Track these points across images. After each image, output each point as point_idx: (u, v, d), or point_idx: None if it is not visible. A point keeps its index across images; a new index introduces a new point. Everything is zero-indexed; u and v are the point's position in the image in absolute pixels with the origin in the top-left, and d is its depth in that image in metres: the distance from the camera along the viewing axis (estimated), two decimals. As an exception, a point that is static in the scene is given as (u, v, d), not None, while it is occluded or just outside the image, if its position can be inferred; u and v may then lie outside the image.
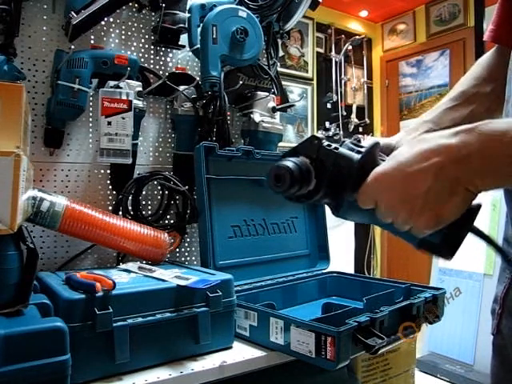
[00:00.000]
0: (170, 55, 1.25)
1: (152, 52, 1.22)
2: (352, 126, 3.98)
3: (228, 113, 1.23)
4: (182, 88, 1.19)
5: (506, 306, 0.71)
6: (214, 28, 1.11)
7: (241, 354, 0.84)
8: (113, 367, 0.72)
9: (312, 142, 0.57)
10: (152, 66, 1.21)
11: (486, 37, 0.78)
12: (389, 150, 0.61)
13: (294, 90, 3.72)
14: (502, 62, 0.73)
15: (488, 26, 0.79)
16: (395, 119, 4.09)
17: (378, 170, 0.51)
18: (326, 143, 0.57)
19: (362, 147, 0.57)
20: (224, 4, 1.16)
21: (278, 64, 1.42)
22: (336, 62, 3.95)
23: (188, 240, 1.27)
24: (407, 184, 0.47)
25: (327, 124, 3.92)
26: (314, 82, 3.86)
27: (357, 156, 0.54)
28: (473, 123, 0.46)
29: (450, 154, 0.45)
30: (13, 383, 0.57)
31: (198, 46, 1.16)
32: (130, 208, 1.12)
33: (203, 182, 1.06)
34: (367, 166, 0.54)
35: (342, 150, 0.56)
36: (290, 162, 0.56)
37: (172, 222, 1.21)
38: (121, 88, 1.04)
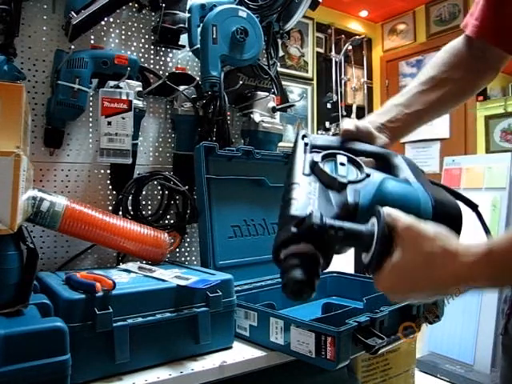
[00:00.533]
0: (170, 55, 1.25)
1: (152, 52, 1.22)
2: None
3: (228, 113, 1.23)
4: (182, 88, 1.19)
5: None
6: (214, 28, 1.11)
7: (241, 353, 0.84)
8: (113, 367, 0.72)
9: (311, 228, 0.49)
10: (152, 66, 1.21)
11: (469, 31, 0.78)
12: (367, 134, 0.67)
13: (294, 90, 3.72)
14: (472, 54, 0.77)
15: (467, 17, 0.81)
16: (395, 119, 4.08)
17: (394, 263, 0.50)
18: (328, 223, 0.49)
19: (359, 168, 0.57)
20: (224, 4, 1.16)
21: (278, 64, 1.42)
22: (336, 62, 3.96)
23: (188, 240, 1.27)
24: (417, 282, 0.51)
25: (327, 124, 3.93)
26: (314, 82, 3.87)
27: (366, 231, 0.50)
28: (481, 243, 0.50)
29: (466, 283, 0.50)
30: (13, 383, 0.57)
31: (198, 46, 1.16)
32: (130, 208, 1.12)
33: (203, 182, 1.06)
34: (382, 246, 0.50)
35: (348, 226, 0.50)
36: (297, 273, 0.49)
37: (172, 221, 1.21)
38: (121, 88, 1.04)
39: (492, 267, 0.48)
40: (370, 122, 0.71)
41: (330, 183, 0.56)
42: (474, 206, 0.61)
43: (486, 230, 0.59)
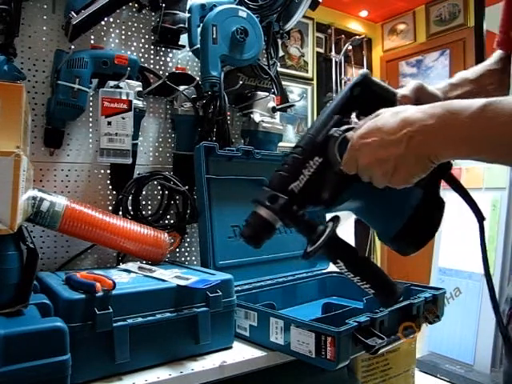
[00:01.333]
0: (170, 55, 1.25)
1: (152, 52, 1.22)
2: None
3: (228, 113, 1.23)
4: (181, 88, 1.19)
5: None
6: (214, 28, 1.11)
7: (241, 354, 0.84)
8: (113, 367, 0.72)
9: (280, 207, 0.58)
10: (152, 66, 1.21)
11: (494, 44, 0.82)
12: (431, 98, 0.66)
13: (294, 90, 3.72)
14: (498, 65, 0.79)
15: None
16: (395, 119, 4.09)
17: (360, 130, 0.55)
18: (294, 210, 0.58)
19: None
20: (224, 4, 1.16)
21: (278, 64, 1.42)
22: (336, 62, 3.95)
23: (188, 240, 1.27)
24: (383, 148, 0.53)
25: (327, 124, 3.92)
26: (314, 82, 3.86)
27: (319, 229, 0.57)
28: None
29: (419, 126, 0.51)
30: (13, 383, 0.57)
31: (198, 46, 1.16)
32: (130, 208, 1.12)
33: (203, 182, 1.06)
34: None
35: (306, 220, 0.58)
36: (247, 230, 0.60)
37: (172, 221, 1.21)
38: (121, 88, 1.04)
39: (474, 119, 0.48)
40: (442, 91, 0.72)
41: (334, 167, 0.58)
42: (480, 218, 0.59)
43: (483, 247, 0.58)
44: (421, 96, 0.65)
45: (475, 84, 0.75)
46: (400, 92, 0.64)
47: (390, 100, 0.62)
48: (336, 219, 0.57)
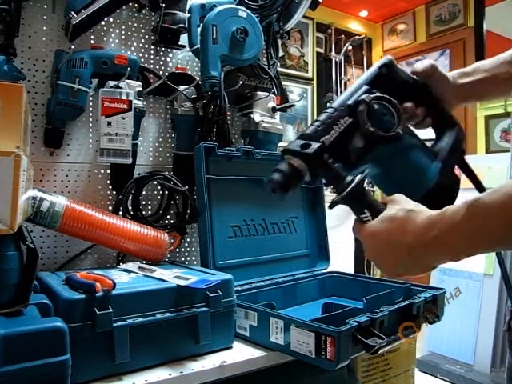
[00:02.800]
0: (170, 55, 1.25)
1: (152, 52, 1.22)
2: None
3: (228, 113, 1.23)
4: (182, 88, 1.19)
5: None
6: (214, 28, 1.11)
7: (241, 354, 0.84)
8: (113, 367, 0.72)
9: (310, 154, 0.61)
10: (152, 66, 1.21)
11: None
12: (441, 77, 0.74)
13: (294, 90, 3.72)
14: None
15: None
16: (395, 119, 4.08)
17: (370, 228, 0.60)
18: (324, 158, 0.61)
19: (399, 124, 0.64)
20: (224, 4, 1.16)
21: (278, 64, 1.42)
22: (336, 62, 3.95)
23: (188, 240, 1.27)
24: (386, 251, 0.58)
25: (327, 124, 3.92)
26: (314, 82, 3.86)
27: (347, 180, 0.60)
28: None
29: (420, 237, 0.54)
30: (13, 383, 0.57)
31: (198, 46, 1.16)
32: (130, 208, 1.12)
33: (203, 182, 1.06)
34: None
35: (336, 168, 0.61)
36: (277, 175, 0.62)
37: (172, 221, 1.21)
38: (121, 88, 1.04)
39: (469, 221, 0.50)
40: (452, 77, 0.75)
41: (362, 128, 0.63)
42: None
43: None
44: (433, 74, 0.73)
45: (489, 73, 0.76)
46: (415, 67, 0.73)
47: (410, 85, 0.71)
48: (364, 173, 0.60)
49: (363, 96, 0.64)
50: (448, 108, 0.75)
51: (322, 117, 0.64)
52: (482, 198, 0.49)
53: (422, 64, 0.74)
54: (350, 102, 0.65)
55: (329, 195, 1.28)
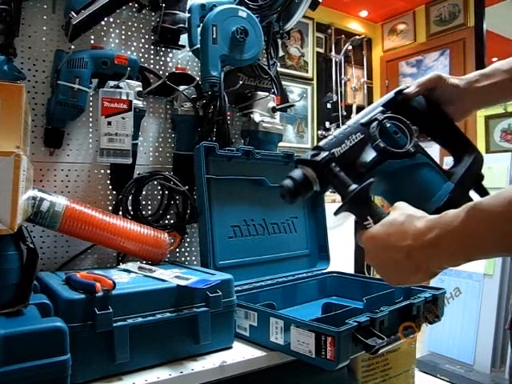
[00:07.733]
0: (170, 55, 1.25)
1: (152, 52, 1.22)
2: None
3: (228, 113, 1.23)
4: (181, 88, 1.19)
5: None
6: (214, 28, 1.11)
7: (241, 354, 0.84)
8: (113, 367, 0.72)
9: (318, 163, 0.65)
10: (152, 66, 1.21)
11: None
12: (450, 88, 0.72)
13: (294, 90, 3.72)
14: None
15: None
16: (395, 119, 4.08)
17: (370, 232, 0.60)
18: (331, 167, 0.65)
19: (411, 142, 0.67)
20: (224, 4, 1.16)
21: (278, 64, 1.42)
22: (336, 62, 3.96)
23: (188, 240, 1.27)
24: (386, 254, 0.58)
25: (327, 124, 3.92)
26: (314, 82, 3.87)
27: (351, 188, 0.62)
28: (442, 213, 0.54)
29: (418, 239, 0.54)
30: (13, 383, 0.57)
31: (198, 46, 1.16)
32: (130, 208, 1.12)
33: (203, 182, 1.06)
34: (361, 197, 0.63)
35: (342, 176, 0.64)
36: (288, 181, 0.66)
37: (172, 221, 1.21)
38: (121, 88, 1.04)
39: (470, 222, 0.49)
40: (465, 82, 0.74)
41: (373, 144, 0.67)
42: None
43: None
44: (438, 86, 0.72)
45: (508, 74, 0.75)
46: (418, 80, 0.72)
47: (425, 114, 0.73)
48: (370, 182, 0.62)
49: (377, 115, 0.69)
50: (464, 115, 0.75)
51: (336, 132, 0.69)
52: (482, 202, 0.49)
53: (426, 76, 0.73)
54: (363, 121, 0.69)
55: (329, 195, 1.28)
